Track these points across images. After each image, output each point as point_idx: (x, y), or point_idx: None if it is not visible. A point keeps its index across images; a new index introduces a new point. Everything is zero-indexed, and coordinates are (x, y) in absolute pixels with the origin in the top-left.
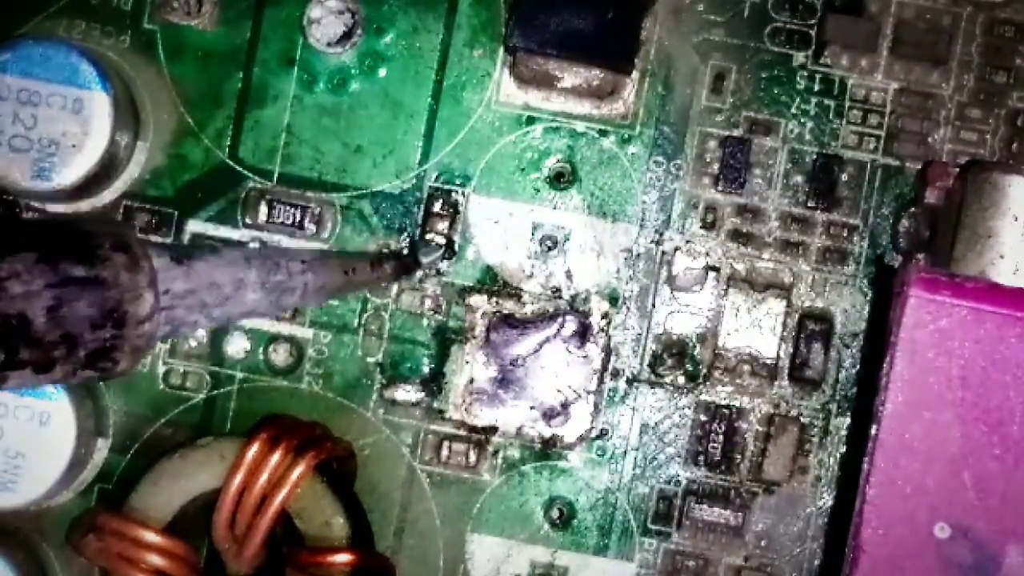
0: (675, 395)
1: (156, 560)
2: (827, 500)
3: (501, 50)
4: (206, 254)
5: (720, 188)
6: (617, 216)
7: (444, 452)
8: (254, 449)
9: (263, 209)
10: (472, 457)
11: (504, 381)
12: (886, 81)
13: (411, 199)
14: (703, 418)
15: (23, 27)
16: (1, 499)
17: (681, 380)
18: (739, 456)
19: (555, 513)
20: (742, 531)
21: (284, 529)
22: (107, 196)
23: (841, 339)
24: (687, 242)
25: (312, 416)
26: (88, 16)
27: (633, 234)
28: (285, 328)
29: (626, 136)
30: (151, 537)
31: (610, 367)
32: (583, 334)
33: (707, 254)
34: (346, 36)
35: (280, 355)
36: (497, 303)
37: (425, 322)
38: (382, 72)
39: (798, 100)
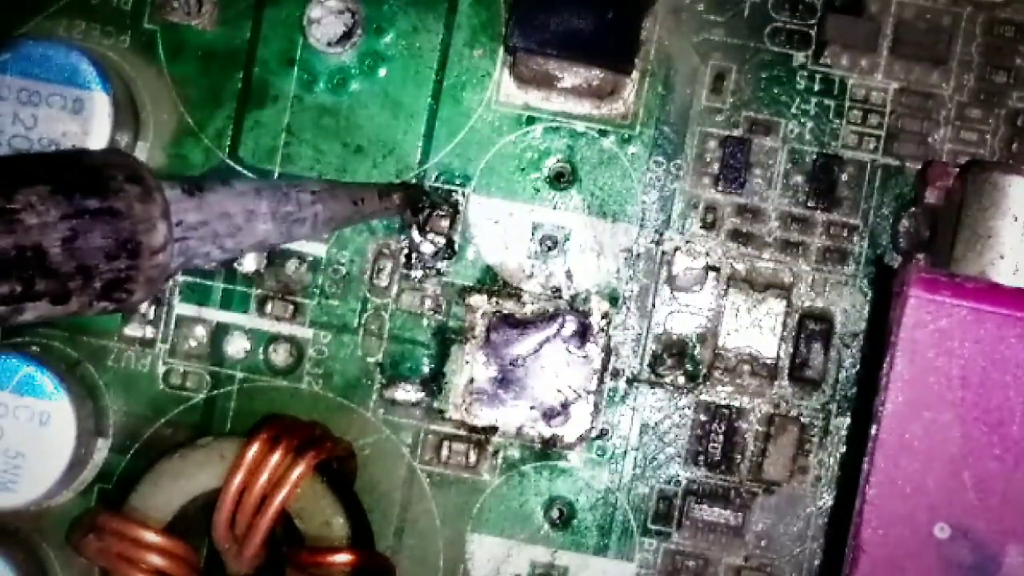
0: (675, 395)
1: (156, 560)
2: (827, 500)
3: (501, 50)
4: (217, 185)
5: (720, 188)
6: (617, 216)
7: (444, 452)
8: (254, 449)
9: None
10: (472, 457)
11: (504, 381)
12: (886, 81)
13: None
14: (703, 418)
15: (23, 27)
16: (1, 499)
17: (681, 380)
18: (739, 456)
19: (555, 513)
20: (742, 531)
21: (284, 529)
22: None
23: (841, 339)
24: (687, 242)
25: (312, 416)
26: (88, 16)
27: (633, 234)
28: (285, 328)
29: (626, 136)
30: (151, 537)
31: (610, 367)
32: (583, 334)
33: (707, 254)
34: (346, 36)
35: (280, 355)
36: (497, 303)
37: (425, 322)
38: (382, 72)
39: (798, 100)
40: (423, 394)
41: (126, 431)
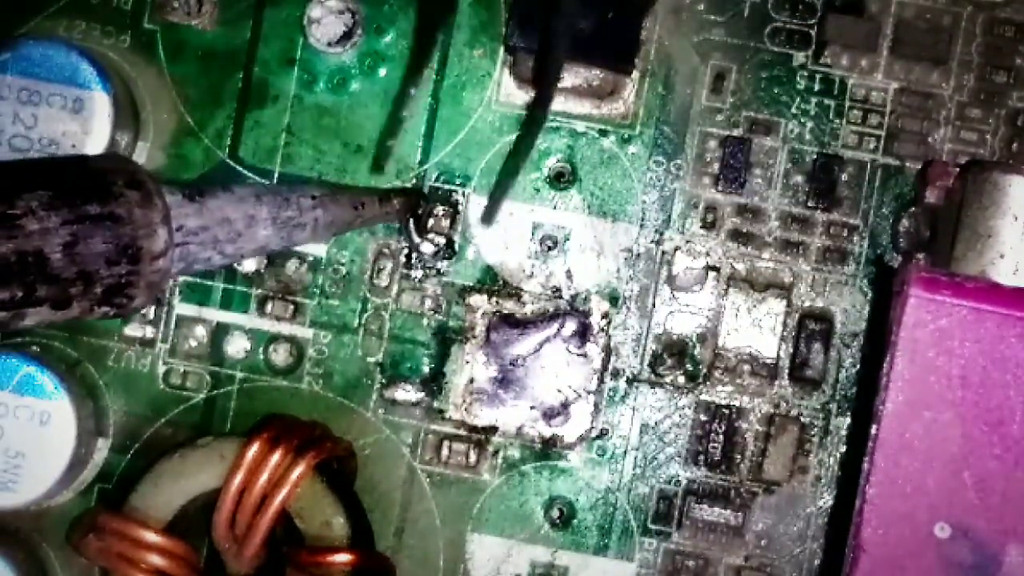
0: (675, 395)
1: (156, 560)
2: (827, 500)
3: (501, 50)
4: (218, 191)
5: (720, 188)
6: (617, 216)
7: (444, 452)
8: (254, 449)
9: None
10: (472, 457)
11: (504, 381)
12: (886, 81)
13: None
14: (703, 418)
15: (23, 27)
16: (1, 499)
17: (681, 380)
18: (739, 456)
19: (555, 513)
20: (742, 531)
21: (284, 529)
22: None
23: (841, 339)
24: (687, 242)
25: (312, 416)
26: (88, 16)
27: (633, 234)
28: (285, 328)
29: (626, 136)
30: (151, 537)
31: (610, 367)
32: (583, 334)
33: (707, 254)
34: (346, 36)
35: (280, 355)
36: (497, 303)
37: (425, 322)
38: (382, 72)
39: (798, 100)
40: (423, 394)
41: (126, 431)
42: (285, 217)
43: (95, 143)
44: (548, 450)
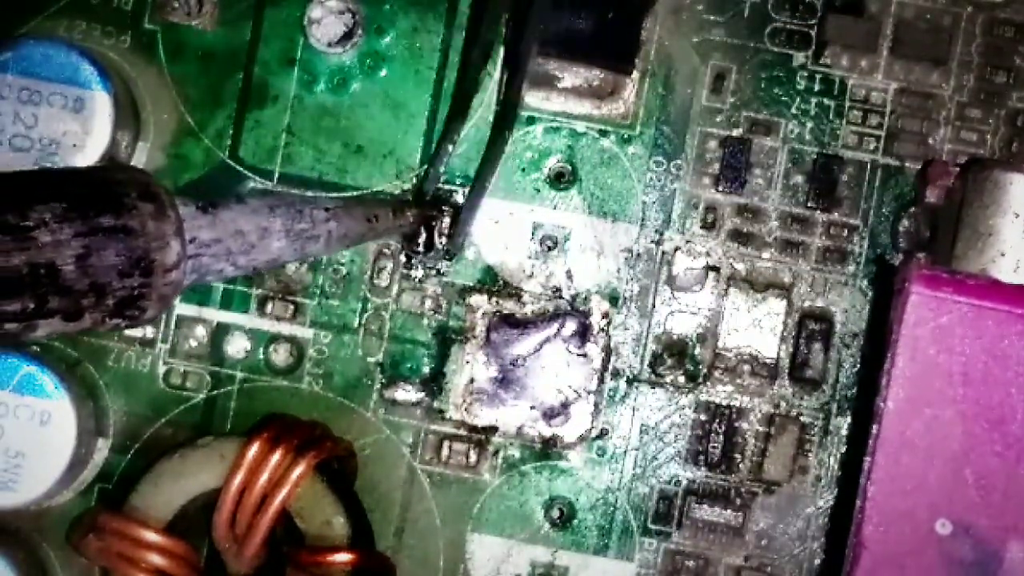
0: (675, 395)
1: (156, 560)
2: (827, 500)
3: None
4: (231, 203)
5: (720, 188)
6: (617, 216)
7: (444, 452)
8: (254, 449)
9: None
10: (472, 457)
11: (504, 381)
12: (886, 81)
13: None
14: (703, 418)
15: (24, 27)
16: (1, 499)
17: (681, 380)
18: (739, 456)
19: (555, 513)
20: (742, 531)
21: (284, 529)
22: None
23: (841, 339)
24: (687, 242)
25: (312, 416)
26: (88, 16)
27: (633, 234)
28: (285, 328)
29: (626, 136)
30: (151, 537)
31: (610, 367)
32: (583, 334)
33: (707, 254)
34: (346, 36)
35: (280, 355)
36: (497, 303)
37: (425, 322)
38: (383, 72)
39: (798, 100)
40: (423, 394)
41: (126, 431)
42: (298, 229)
43: (95, 143)
44: (548, 450)
